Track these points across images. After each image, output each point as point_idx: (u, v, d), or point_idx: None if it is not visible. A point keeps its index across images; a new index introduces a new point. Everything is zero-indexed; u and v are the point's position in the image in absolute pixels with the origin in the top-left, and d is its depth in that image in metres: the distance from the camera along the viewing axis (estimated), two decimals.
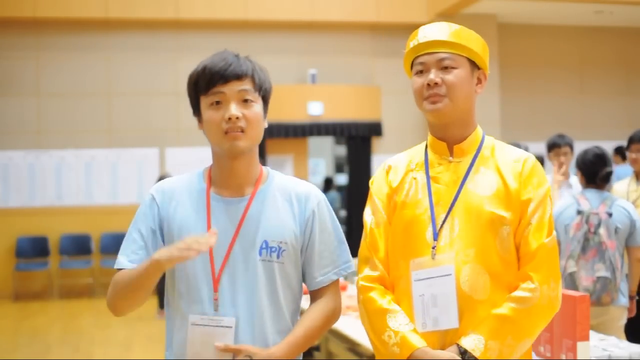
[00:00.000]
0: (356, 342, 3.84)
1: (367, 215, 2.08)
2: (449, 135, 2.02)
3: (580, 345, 2.67)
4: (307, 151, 11.61)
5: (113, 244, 10.13)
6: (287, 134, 10.92)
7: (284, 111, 10.85)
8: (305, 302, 2.06)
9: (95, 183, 10.57)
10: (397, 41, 11.00)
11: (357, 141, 11.32)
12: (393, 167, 2.10)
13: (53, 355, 6.88)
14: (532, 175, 1.97)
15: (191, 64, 2.16)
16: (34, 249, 10.25)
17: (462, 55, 1.98)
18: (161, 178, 6.80)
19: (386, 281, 2.02)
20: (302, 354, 2.01)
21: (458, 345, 1.88)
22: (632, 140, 4.94)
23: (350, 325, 4.02)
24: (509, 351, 1.88)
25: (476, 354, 1.85)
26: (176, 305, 1.93)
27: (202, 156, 1.80)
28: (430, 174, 2.03)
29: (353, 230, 11.05)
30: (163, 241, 1.95)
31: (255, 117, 1.92)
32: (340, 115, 11.10)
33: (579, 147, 4.90)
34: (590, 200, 4.21)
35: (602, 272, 4.05)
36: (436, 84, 1.96)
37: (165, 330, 2.01)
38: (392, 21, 11.12)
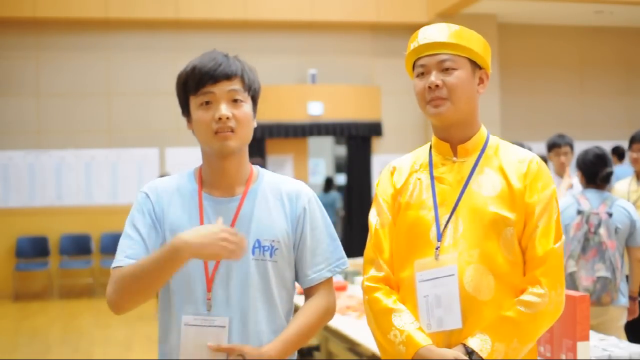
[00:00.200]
0: (356, 342, 3.84)
1: (372, 217, 2.08)
2: (452, 135, 2.02)
3: (580, 345, 2.66)
4: (307, 151, 11.61)
5: (113, 244, 10.13)
6: (287, 134, 10.92)
7: (284, 111, 10.85)
8: (300, 300, 2.06)
9: (95, 183, 10.57)
10: (397, 41, 11.03)
11: (357, 141, 11.32)
12: (397, 168, 2.11)
13: (53, 355, 6.88)
14: (537, 178, 1.97)
15: None
16: (34, 249, 10.25)
17: (463, 56, 1.98)
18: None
19: (391, 282, 2.02)
20: (296, 353, 2.01)
21: (464, 345, 1.88)
22: (633, 140, 4.93)
23: (350, 325, 4.02)
24: (513, 354, 1.88)
25: (483, 355, 1.85)
26: (169, 304, 1.93)
27: (201, 156, 1.82)
28: (434, 174, 2.03)
29: (353, 230, 11.06)
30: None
31: (245, 117, 1.93)
32: (340, 115, 11.10)
33: (579, 147, 4.90)
34: (590, 200, 4.21)
35: (602, 272, 4.05)
36: (437, 86, 1.95)
37: (158, 329, 1.99)
38: (392, 21, 11.12)
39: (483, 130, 2.06)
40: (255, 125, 1.99)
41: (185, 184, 1.98)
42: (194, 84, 1.90)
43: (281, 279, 1.96)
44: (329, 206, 12.19)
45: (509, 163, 2.00)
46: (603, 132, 11.95)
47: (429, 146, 2.11)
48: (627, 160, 9.44)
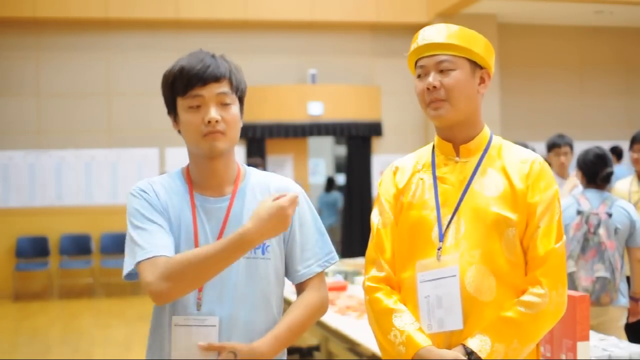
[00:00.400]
0: (356, 342, 3.84)
1: (375, 216, 2.08)
2: (455, 135, 2.02)
3: (580, 345, 2.66)
4: (307, 151, 11.61)
5: (113, 244, 10.14)
6: (287, 134, 10.92)
7: (284, 111, 10.85)
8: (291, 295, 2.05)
9: (95, 183, 10.57)
10: (397, 41, 11.03)
11: (357, 141, 11.32)
12: (400, 168, 2.11)
13: (53, 355, 6.88)
14: (540, 178, 1.97)
15: None
16: (34, 249, 10.25)
17: (462, 57, 1.97)
18: None
19: (393, 282, 2.02)
20: (285, 352, 2.01)
21: (464, 345, 1.88)
22: (634, 141, 4.92)
23: (350, 325, 4.02)
24: (513, 354, 1.88)
25: (482, 355, 1.85)
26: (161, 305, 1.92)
27: (188, 157, 1.81)
28: (437, 174, 2.02)
29: (352, 230, 11.06)
30: None
31: (234, 119, 1.92)
32: (340, 115, 11.10)
33: (579, 147, 4.90)
34: (590, 200, 4.21)
35: (602, 272, 4.05)
36: (435, 87, 1.96)
37: (150, 327, 1.99)
38: (392, 21, 11.12)
39: (486, 131, 2.06)
40: (241, 124, 1.99)
41: (175, 184, 1.97)
42: (182, 86, 1.89)
43: (274, 276, 1.97)
44: (330, 206, 12.20)
45: (511, 163, 2.00)
46: (603, 132, 11.95)
47: (431, 146, 2.11)
48: (625, 160, 9.46)
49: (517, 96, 11.82)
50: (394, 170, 2.11)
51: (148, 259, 1.81)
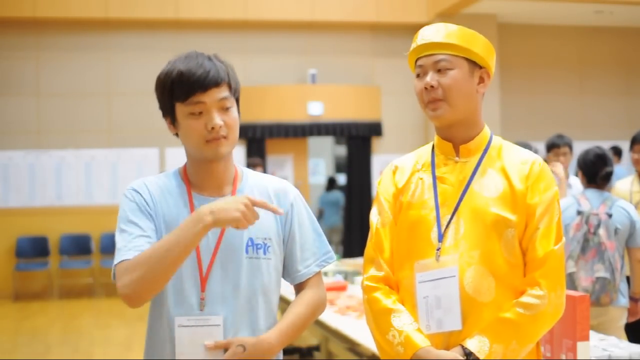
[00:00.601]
0: (356, 342, 3.84)
1: (374, 216, 2.08)
2: (454, 135, 2.02)
3: (580, 345, 2.66)
4: (307, 151, 11.61)
5: (113, 244, 10.03)
6: (287, 134, 10.92)
7: (284, 111, 10.86)
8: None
9: (95, 183, 10.57)
10: (397, 41, 11.03)
11: (357, 141, 11.32)
12: (399, 167, 2.10)
13: (53, 355, 6.88)
14: (539, 179, 1.96)
15: None
16: (34, 249, 10.25)
17: (460, 56, 1.97)
18: None
19: (391, 281, 2.02)
20: (281, 353, 2.02)
21: (462, 346, 1.88)
22: (634, 141, 4.92)
23: (350, 325, 4.02)
24: (512, 355, 1.88)
25: (481, 356, 1.85)
26: (161, 304, 1.91)
27: (186, 157, 1.81)
28: (437, 174, 2.02)
29: (352, 230, 11.06)
30: None
31: (235, 122, 1.93)
32: (340, 115, 11.10)
33: (579, 147, 4.90)
34: (590, 200, 4.21)
35: (602, 272, 4.05)
36: (432, 87, 1.96)
37: (148, 330, 1.97)
38: (392, 21, 11.12)
39: (486, 131, 2.06)
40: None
41: (172, 184, 1.97)
42: (182, 93, 1.86)
43: (275, 275, 1.98)
44: (332, 205, 12.20)
45: (511, 164, 1.99)
46: (603, 132, 11.95)
47: (431, 145, 2.11)
48: (624, 160, 9.47)
49: (517, 96, 11.82)
50: (394, 170, 2.11)
51: (121, 262, 1.81)
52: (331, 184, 12.72)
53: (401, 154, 2.21)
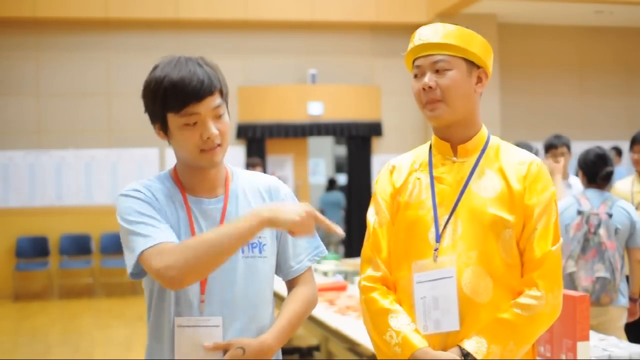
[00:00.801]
0: (356, 342, 3.84)
1: (370, 215, 2.08)
2: (452, 135, 2.02)
3: (580, 345, 2.67)
4: (307, 151, 11.61)
5: (113, 244, 10.14)
6: (287, 134, 10.92)
7: (284, 111, 10.85)
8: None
9: (95, 183, 10.57)
10: (397, 41, 11.02)
11: (357, 141, 11.32)
12: (397, 167, 2.10)
13: (53, 355, 6.88)
14: (537, 180, 1.96)
15: None
16: (34, 249, 10.25)
17: (458, 56, 1.97)
18: None
19: (389, 282, 2.02)
20: (280, 352, 2.02)
21: (460, 347, 1.88)
22: (634, 141, 4.92)
23: (350, 325, 4.02)
24: (509, 356, 1.88)
25: (478, 357, 1.85)
26: (161, 305, 1.91)
27: (177, 161, 1.79)
28: (434, 174, 2.02)
29: (353, 230, 11.06)
30: None
31: (227, 127, 1.91)
32: (340, 115, 11.10)
33: (579, 147, 4.90)
34: (591, 200, 4.21)
35: (602, 272, 4.05)
36: (430, 87, 1.96)
37: (148, 331, 1.97)
38: (392, 21, 11.12)
39: (484, 131, 2.06)
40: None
41: (167, 187, 1.95)
42: (177, 104, 1.82)
43: (270, 273, 1.99)
44: (333, 205, 12.20)
45: (509, 164, 1.99)
46: (603, 132, 11.95)
47: (428, 145, 2.10)
48: (624, 160, 9.47)
49: (517, 96, 11.82)
50: (391, 169, 2.11)
51: (153, 246, 1.77)
52: (331, 184, 12.74)
53: (401, 154, 2.21)
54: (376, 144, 11.41)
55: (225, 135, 1.89)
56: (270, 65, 10.97)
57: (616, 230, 4.11)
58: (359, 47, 11.40)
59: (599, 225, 4.10)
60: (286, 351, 5.84)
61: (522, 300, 1.90)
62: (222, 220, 1.93)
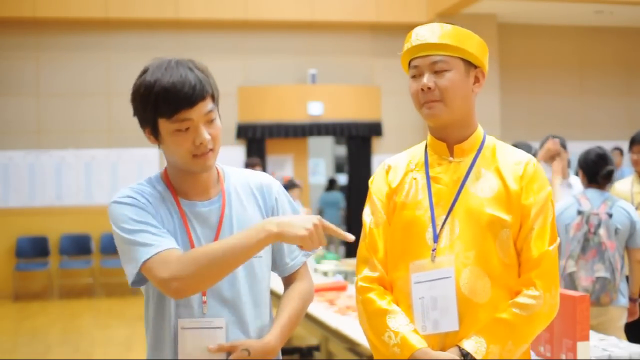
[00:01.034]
0: (356, 342, 3.84)
1: (366, 216, 2.07)
2: (448, 135, 2.01)
3: (580, 345, 2.67)
4: (307, 151, 11.62)
5: (113, 244, 10.06)
6: (287, 134, 10.92)
7: (284, 111, 10.85)
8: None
9: (95, 183, 10.57)
10: (397, 41, 11.00)
11: (357, 141, 11.32)
12: (392, 167, 2.09)
13: (53, 355, 6.88)
14: (533, 180, 1.96)
15: None
16: (34, 249, 10.25)
17: (456, 57, 1.96)
18: None
19: (385, 282, 2.01)
20: (280, 353, 2.02)
21: (459, 347, 1.88)
22: (634, 142, 4.92)
23: (350, 325, 4.02)
24: (508, 355, 1.89)
25: (478, 357, 1.85)
26: (163, 307, 1.90)
27: (167, 164, 1.79)
28: (430, 174, 2.02)
29: (353, 230, 11.06)
30: None
31: (219, 131, 1.88)
32: (340, 115, 11.11)
33: (579, 147, 4.90)
34: (591, 200, 4.21)
35: (602, 272, 4.05)
36: (429, 88, 1.95)
37: (149, 335, 1.96)
38: (392, 21, 11.12)
39: (480, 131, 2.05)
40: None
41: (160, 191, 1.92)
42: (168, 110, 1.79)
43: (266, 272, 1.99)
44: (332, 205, 12.21)
45: (505, 164, 1.99)
46: (603, 132, 11.95)
47: (424, 145, 2.10)
48: (624, 161, 9.46)
49: (517, 96, 11.82)
50: (387, 169, 2.10)
51: (155, 254, 1.75)
52: (332, 184, 12.74)
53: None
54: (376, 144, 11.41)
55: (217, 139, 1.87)
56: (270, 65, 10.97)
57: (616, 230, 4.12)
58: (359, 47, 11.40)
59: (599, 225, 4.10)
60: (286, 351, 5.84)
61: (520, 299, 1.90)
62: (220, 222, 1.92)
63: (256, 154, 10.44)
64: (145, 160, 10.67)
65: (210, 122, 1.85)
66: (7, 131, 10.42)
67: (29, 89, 10.48)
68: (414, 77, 2.00)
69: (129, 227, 1.80)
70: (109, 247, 10.20)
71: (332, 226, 1.80)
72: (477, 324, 1.89)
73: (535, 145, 5.56)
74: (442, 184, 1.99)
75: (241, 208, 1.95)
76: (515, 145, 3.26)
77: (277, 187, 2.04)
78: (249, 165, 7.45)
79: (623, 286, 4.18)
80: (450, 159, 2.02)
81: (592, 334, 3.18)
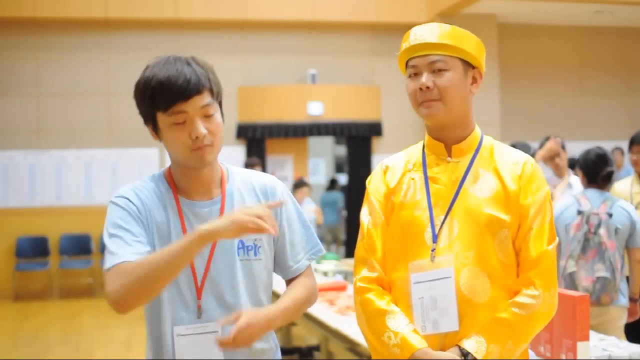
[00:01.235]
0: (356, 342, 3.84)
1: (364, 216, 2.07)
2: (446, 135, 2.01)
3: (580, 345, 2.67)
4: (307, 151, 11.62)
5: None
6: (287, 134, 10.92)
7: (284, 111, 10.86)
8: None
9: (95, 183, 10.57)
10: (397, 41, 10.92)
11: (357, 141, 11.32)
12: (390, 167, 2.09)
13: (53, 355, 6.88)
14: (532, 179, 1.96)
15: None
16: (34, 249, 10.25)
17: (454, 57, 1.96)
18: None
19: (384, 282, 2.01)
20: (280, 352, 2.02)
21: (460, 347, 1.88)
22: (633, 142, 4.93)
23: (350, 325, 4.02)
24: (507, 355, 1.89)
25: (478, 357, 1.85)
26: (158, 313, 1.90)
27: (171, 162, 1.79)
28: (429, 174, 2.01)
29: (353, 230, 11.06)
30: None
31: (219, 127, 1.88)
32: (340, 115, 11.11)
33: (579, 147, 4.90)
34: (591, 200, 4.21)
35: (602, 272, 4.05)
36: (428, 88, 1.95)
37: (147, 341, 1.96)
38: (392, 21, 11.12)
39: (477, 131, 2.05)
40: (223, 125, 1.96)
41: (160, 189, 1.93)
42: (164, 103, 1.81)
43: (266, 275, 1.97)
44: (331, 205, 12.21)
45: (503, 164, 1.99)
46: (603, 132, 11.95)
47: (421, 145, 2.09)
48: (624, 161, 9.46)
49: (517, 96, 11.82)
50: (384, 169, 2.10)
51: (114, 265, 1.75)
52: (332, 184, 12.75)
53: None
54: (376, 144, 11.41)
55: (216, 135, 1.87)
56: (270, 65, 10.97)
57: (616, 230, 4.12)
58: (359, 47, 11.40)
59: (599, 225, 4.10)
60: (286, 351, 5.84)
61: (520, 299, 1.90)
62: None
63: (256, 154, 10.44)
64: (146, 160, 10.67)
65: (208, 116, 1.85)
66: (7, 131, 10.42)
67: (28, 89, 10.48)
68: (411, 76, 2.00)
69: (110, 231, 1.82)
70: None
71: (273, 202, 1.78)
72: (476, 323, 1.89)
73: (535, 145, 5.56)
74: (441, 184, 1.99)
75: None
76: (514, 146, 3.26)
77: (282, 189, 2.02)
78: (248, 165, 7.45)
79: (623, 286, 4.18)
80: (448, 159, 2.02)
81: (592, 334, 3.18)
